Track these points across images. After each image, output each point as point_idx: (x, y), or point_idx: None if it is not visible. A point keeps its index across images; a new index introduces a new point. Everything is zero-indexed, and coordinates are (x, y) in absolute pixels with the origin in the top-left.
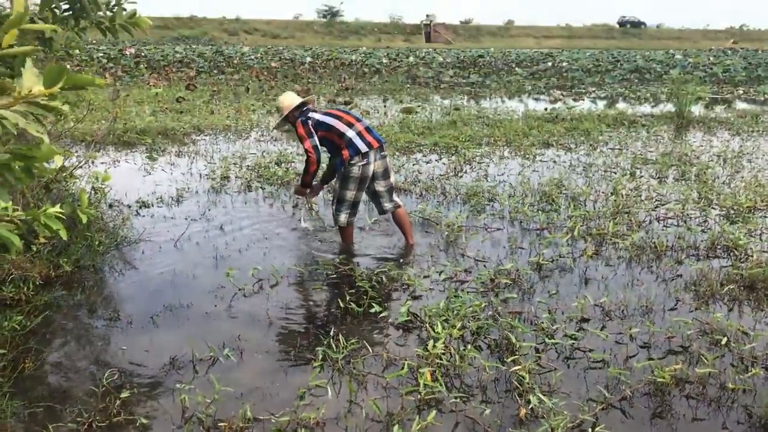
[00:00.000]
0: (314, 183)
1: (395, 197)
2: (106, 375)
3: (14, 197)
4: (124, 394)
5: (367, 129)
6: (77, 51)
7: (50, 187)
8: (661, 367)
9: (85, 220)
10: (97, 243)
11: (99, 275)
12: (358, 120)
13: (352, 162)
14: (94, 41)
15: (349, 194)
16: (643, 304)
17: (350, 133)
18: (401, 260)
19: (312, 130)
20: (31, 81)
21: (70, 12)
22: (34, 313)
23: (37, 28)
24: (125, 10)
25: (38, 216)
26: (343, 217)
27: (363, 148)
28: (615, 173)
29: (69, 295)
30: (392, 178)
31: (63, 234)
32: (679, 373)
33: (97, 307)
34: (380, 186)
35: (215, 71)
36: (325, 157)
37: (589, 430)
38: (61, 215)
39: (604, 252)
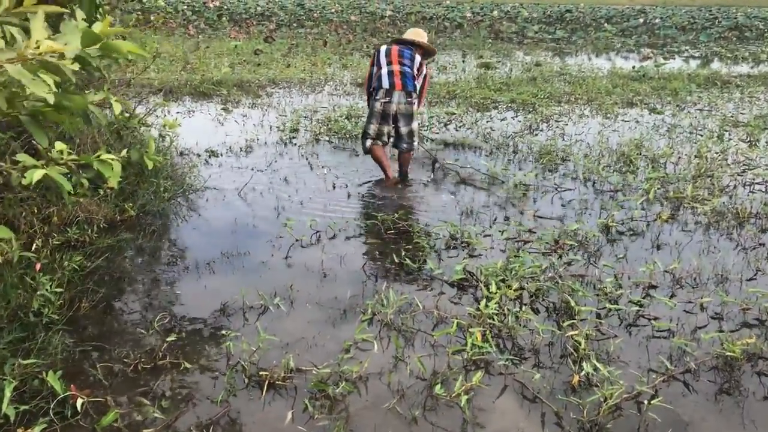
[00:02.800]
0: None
1: (414, 142)
2: (157, 318)
3: (85, 142)
4: (171, 338)
5: (402, 74)
6: (161, 3)
7: (121, 134)
8: (731, 340)
9: (151, 166)
10: (162, 189)
11: (162, 220)
12: (402, 64)
13: (376, 97)
14: None
15: (372, 127)
16: (719, 272)
17: (384, 70)
18: (463, 218)
19: (374, 57)
20: (39, 34)
21: None
22: (95, 255)
23: None
24: None
25: (91, 161)
26: (367, 143)
27: (384, 84)
28: (701, 135)
29: (131, 238)
30: (414, 125)
31: (114, 182)
32: (751, 347)
33: (157, 251)
34: (402, 129)
35: (295, 24)
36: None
37: (646, 402)
38: (120, 161)
39: (681, 216)
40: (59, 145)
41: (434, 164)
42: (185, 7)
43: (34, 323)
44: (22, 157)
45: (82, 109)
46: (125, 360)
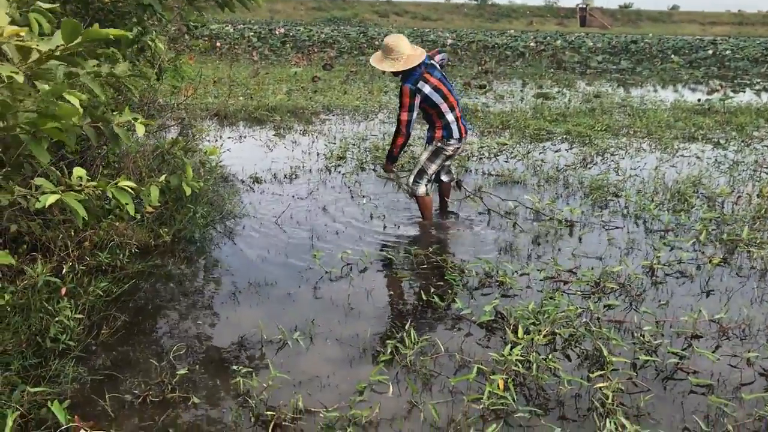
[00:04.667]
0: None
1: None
2: (174, 348)
3: (128, 166)
4: (182, 371)
5: (463, 118)
6: (197, 25)
7: (165, 158)
8: None
9: (189, 192)
10: (199, 216)
11: (196, 247)
12: (457, 102)
13: (449, 143)
14: (252, 21)
15: (433, 167)
16: None
17: (450, 117)
18: (501, 255)
19: (416, 104)
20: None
21: None
22: (123, 281)
23: None
24: None
25: (107, 188)
26: (422, 189)
27: (456, 134)
28: (766, 173)
29: (162, 264)
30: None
31: (131, 209)
32: None
33: (185, 279)
34: (448, 162)
35: (356, 52)
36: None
37: None
38: (159, 185)
39: (735, 261)
40: (78, 170)
41: (459, 187)
42: (252, 33)
43: (50, 349)
44: (40, 181)
45: (71, 116)
46: (135, 391)
